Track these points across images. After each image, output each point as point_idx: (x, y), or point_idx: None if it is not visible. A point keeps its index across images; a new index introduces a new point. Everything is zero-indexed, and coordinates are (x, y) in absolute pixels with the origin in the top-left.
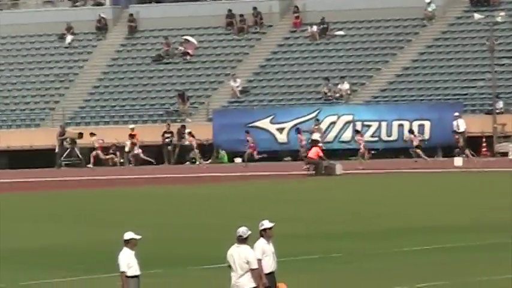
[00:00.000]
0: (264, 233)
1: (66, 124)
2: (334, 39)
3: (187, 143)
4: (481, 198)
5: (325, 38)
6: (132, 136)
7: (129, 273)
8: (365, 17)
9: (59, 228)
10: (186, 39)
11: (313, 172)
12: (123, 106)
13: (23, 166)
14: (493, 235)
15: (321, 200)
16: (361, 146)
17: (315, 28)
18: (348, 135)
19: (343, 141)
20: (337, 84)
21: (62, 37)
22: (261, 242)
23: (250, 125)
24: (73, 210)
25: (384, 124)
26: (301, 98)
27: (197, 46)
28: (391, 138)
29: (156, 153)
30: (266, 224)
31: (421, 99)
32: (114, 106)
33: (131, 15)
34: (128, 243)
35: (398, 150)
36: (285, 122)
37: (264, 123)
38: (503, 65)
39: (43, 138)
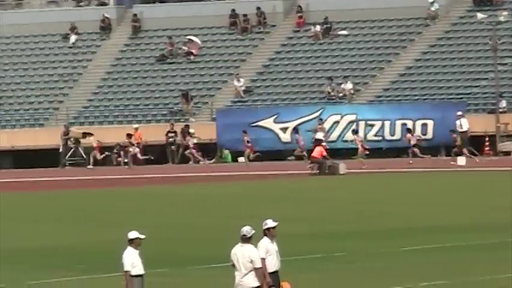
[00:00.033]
0: (268, 232)
1: (70, 124)
2: (337, 39)
3: (195, 141)
4: (483, 197)
5: (328, 38)
6: (129, 136)
7: (133, 273)
8: (368, 16)
9: (62, 228)
10: (189, 39)
11: (317, 171)
12: (127, 106)
13: (27, 166)
14: (494, 234)
15: (325, 200)
16: (359, 146)
17: (318, 28)
18: (351, 134)
19: (346, 141)
20: (341, 83)
21: (65, 37)
22: (265, 241)
23: (253, 124)
24: (76, 210)
25: (387, 123)
26: (304, 97)
27: (201, 46)
28: (394, 138)
29: (159, 153)
30: (270, 223)
31: (424, 99)
32: (118, 106)
33: (135, 15)
34: (132, 242)
35: (402, 150)
36: (289, 122)
37: (268, 122)
38: (506, 64)
39: (47, 138)
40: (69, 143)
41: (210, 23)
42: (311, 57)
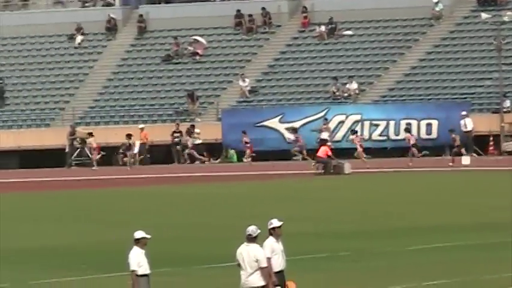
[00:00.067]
0: (273, 232)
1: (76, 124)
2: (342, 39)
3: (197, 142)
4: (487, 197)
5: (333, 38)
6: (129, 136)
7: (139, 272)
8: (373, 16)
9: (68, 228)
10: (195, 39)
11: (322, 171)
12: (133, 106)
13: (33, 166)
14: (497, 234)
15: (330, 199)
16: (358, 146)
17: (323, 28)
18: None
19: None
20: (346, 83)
21: (71, 37)
22: (270, 241)
23: (259, 124)
24: (82, 210)
25: (391, 123)
26: (309, 97)
27: (206, 46)
28: (399, 137)
29: (165, 153)
30: (275, 222)
31: (429, 99)
32: (124, 106)
33: (141, 15)
34: (139, 242)
35: (407, 149)
36: (294, 122)
37: (273, 122)
38: (511, 64)
39: (53, 138)
40: (75, 143)
41: (216, 23)
42: (316, 57)
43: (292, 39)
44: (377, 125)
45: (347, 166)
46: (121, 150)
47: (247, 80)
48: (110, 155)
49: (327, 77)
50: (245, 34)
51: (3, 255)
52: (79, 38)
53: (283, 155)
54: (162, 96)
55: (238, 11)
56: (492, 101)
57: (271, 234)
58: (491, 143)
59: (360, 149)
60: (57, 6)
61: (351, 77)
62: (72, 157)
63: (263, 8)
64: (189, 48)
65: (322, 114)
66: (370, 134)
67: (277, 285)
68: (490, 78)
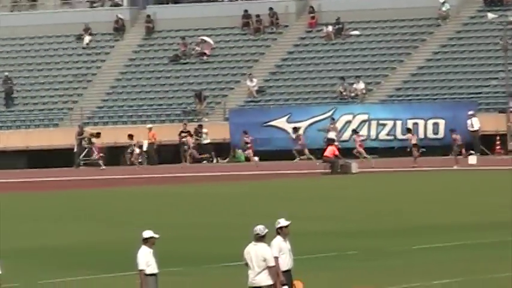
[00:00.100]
0: (281, 231)
1: (85, 124)
2: (349, 39)
3: (205, 142)
4: (495, 196)
5: (340, 38)
6: (130, 136)
7: (147, 272)
8: (380, 17)
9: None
10: (202, 40)
11: (329, 171)
12: (141, 106)
13: (41, 166)
14: (505, 232)
15: (337, 198)
16: (357, 146)
17: (330, 28)
18: (363, 134)
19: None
20: (353, 83)
21: (79, 38)
22: (278, 240)
23: (266, 124)
24: (88, 210)
25: (399, 123)
26: (317, 97)
27: (214, 46)
28: (406, 137)
29: (173, 153)
30: (282, 222)
31: (436, 98)
32: (132, 106)
33: (148, 16)
34: (147, 241)
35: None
36: (301, 121)
37: (280, 122)
38: None
39: (61, 138)
40: (83, 143)
41: (223, 23)
42: (323, 57)
43: (300, 40)
44: (384, 125)
45: (354, 165)
46: (129, 150)
47: (254, 80)
48: (119, 154)
49: (334, 77)
50: (252, 34)
51: (13, 254)
52: (87, 39)
53: (290, 154)
54: (169, 96)
55: (246, 11)
56: (499, 101)
57: (278, 233)
58: (498, 143)
59: (359, 148)
60: (65, 6)
61: (358, 77)
62: (81, 157)
63: (270, 9)
64: (197, 48)
65: (329, 114)
66: (377, 134)
67: (284, 285)
68: (497, 78)
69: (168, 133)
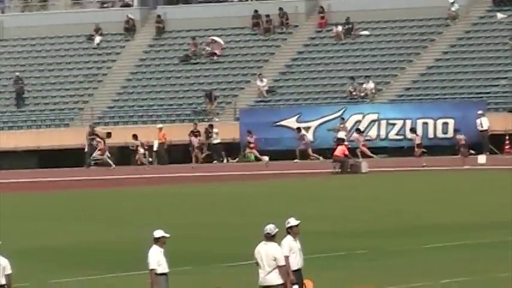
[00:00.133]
0: (291, 231)
1: (95, 124)
2: (359, 39)
3: (215, 141)
4: (504, 196)
5: (350, 38)
6: (135, 137)
7: (158, 271)
8: (389, 17)
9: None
10: (213, 40)
11: (339, 170)
12: (151, 106)
13: (52, 166)
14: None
15: (347, 198)
16: (360, 145)
17: (340, 28)
18: (373, 133)
19: (368, 140)
20: (362, 83)
21: (90, 38)
22: (288, 239)
23: (276, 124)
24: (97, 209)
25: (408, 122)
26: (326, 97)
27: (224, 46)
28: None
29: (183, 152)
30: (292, 221)
31: (445, 98)
32: (142, 106)
33: (159, 16)
34: (158, 241)
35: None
36: (311, 121)
37: (290, 122)
38: None
39: (72, 137)
40: (94, 142)
41: (233, 23)
42: (333, 57)
43: (310, 39)
44: (394, 124)
45: (364, 165)
46: (132, 149)
47: (264, 80)
48: (129, 154)
49: (343, 76)
50: (262, 34)
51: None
52: (98, 39)
53: (300, 154)
54: (180, 96)
55: (256, 11)
56: (508, 100)
57: (288, 233)
58: (507, 142)
59: (363, 148)
60: (76, 7)
61: (368, 77)
62: (91, 157)
63: (280, 9)
64: (207, 48)
65: (339, 113)
66: (387, 134)
67: (294, 284)
68: (506, 78)
69: (178, 133)
